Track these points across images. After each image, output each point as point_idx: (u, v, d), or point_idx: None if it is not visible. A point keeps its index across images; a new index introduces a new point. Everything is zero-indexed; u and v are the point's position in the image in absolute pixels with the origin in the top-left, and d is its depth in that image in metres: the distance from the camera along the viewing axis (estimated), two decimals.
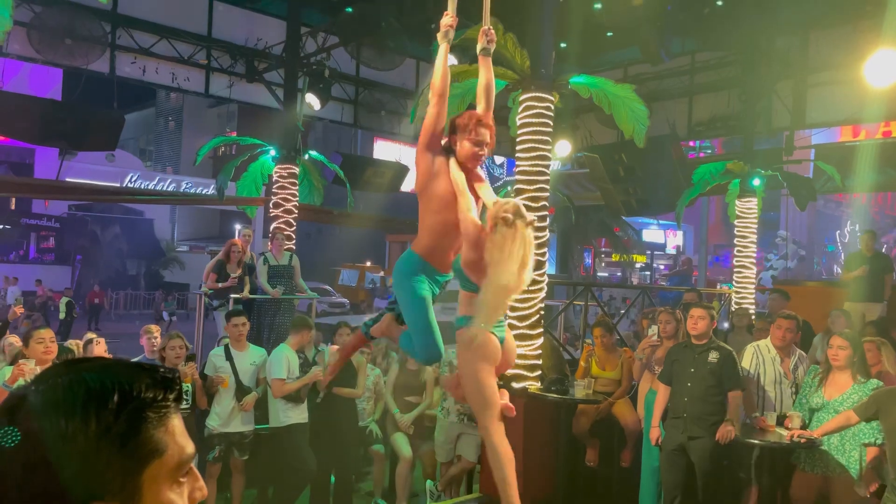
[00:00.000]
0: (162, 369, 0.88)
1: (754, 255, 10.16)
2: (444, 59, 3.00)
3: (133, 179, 28.70)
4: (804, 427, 4.86)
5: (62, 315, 17.89)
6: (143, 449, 0.82)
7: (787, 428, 4.90)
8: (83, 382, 0.82)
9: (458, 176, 2.93)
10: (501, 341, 3.06)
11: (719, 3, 8.90)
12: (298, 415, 5.83)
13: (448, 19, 3.07)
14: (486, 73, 3.11)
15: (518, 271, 2.68)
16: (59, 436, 0.79)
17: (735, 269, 10.20)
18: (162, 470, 0.84)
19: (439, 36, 3.04)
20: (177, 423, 0.87)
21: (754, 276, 10.20)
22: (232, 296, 7.83)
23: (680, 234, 36.84)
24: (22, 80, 19.76)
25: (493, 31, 3.15)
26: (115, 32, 9.85)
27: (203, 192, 28.07)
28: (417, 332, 2.91)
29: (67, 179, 20.55)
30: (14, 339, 5.41)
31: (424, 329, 2.87)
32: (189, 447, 0.88)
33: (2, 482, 0.79)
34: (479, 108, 3.09)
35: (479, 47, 3.15)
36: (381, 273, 28.45)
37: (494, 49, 3.21)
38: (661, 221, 34.69)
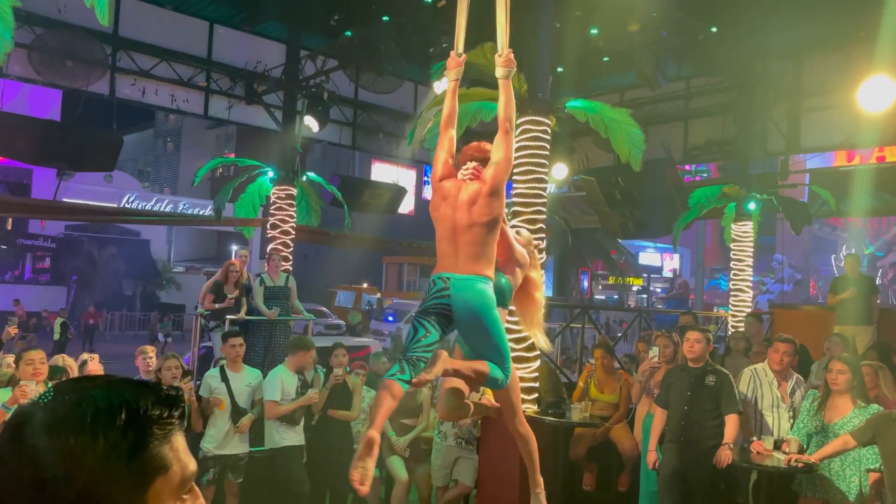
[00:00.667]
0: (165, 387, 0.90)
1: (751, 278, 10.18)
2: (452, 95, 3.36)
3: (130, 200, 28.72)
4: (802, 451, 4.84)
5: (56, 336, 17.78)
6: (149, 465, 0.84)
7: (784, 452, 4.87)
8: (91, 399, 0.83)
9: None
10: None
11: (714, 29, 9.02)
12: (293, 437, 5.79)
13: (452, 64, 3.34)
14: (504, 95, 3.28)
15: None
16: (68, 452, 0.80)
17: (731, 293, 10.21)
18: (166, 487, 0.85)
19: (448, 75, 3.33)
20: (180, 440, 0.88)
21: (751, 299, 10.21)
22: (228, 317, 7.80)
23: (676, 257, 36.94)
24: (21, 101, 19.86)
25: (510, 54, 3.29)
26: (116, 54, 9.93)
27: (200, 214, 28.08)
28: (505, 359, 3.16)
29: (65, 200, 20.56)
30: (10, 359, 5.38)
31: (508, 354, 3.19)
32: (192, 465, 0.90)
33: (10, 499, 0.80)
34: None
35: (499, 73, 3.30)
36: (378, 294, 28.40)
37: (491, 72, 3.32)
38: (657, 245, 34.81)
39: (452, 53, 3.32)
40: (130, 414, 0.83)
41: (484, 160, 3.22)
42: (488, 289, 3.08)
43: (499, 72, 3.25)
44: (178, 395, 0.89)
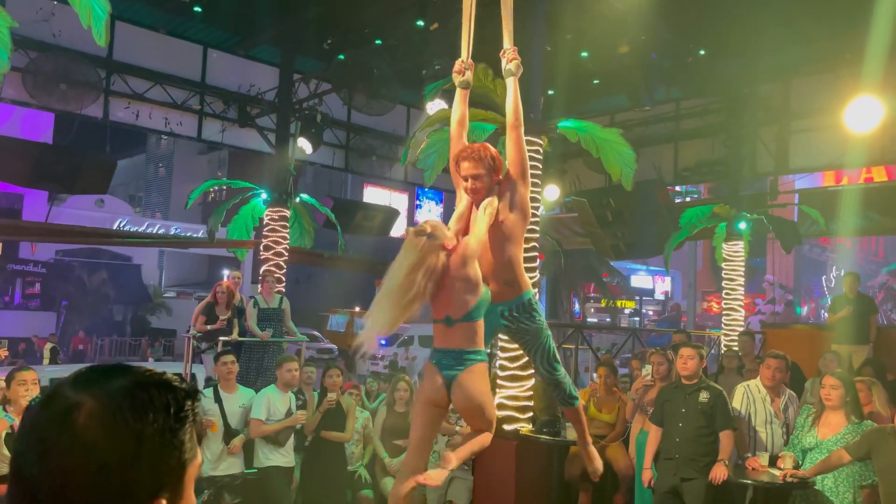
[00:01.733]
0: (179, 380, 0.94)
1: (742, 297, 10.23)
2: (460, 100, 3.32)
3: (122, 225, 28.61)
4: (797, 467, 4.84)
5: (46, 361, 17.62)
6: (189, 451, 0.91)
7: (779, 468, 4.87)
8: (143, 387, 0.89)
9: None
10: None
11: (702, 51, 9.16)
12: (280, 458, 5.74)
13: (458, 73, 3.32)
14: (512, 94, 3.25)
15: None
16: (133, 437, 0.85)
17: (724, 312, 10.25)
18: (193, 472, 0.93)
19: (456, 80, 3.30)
20: (193, 432, 0.94)
21: (743, 318, 10.25)
22: (221, 338, 7.77)
23: (668, 279, 37.01)
24: (13, 125, 19.88)
25: (514, 51, 3.27)
26: (110, 78, 9.98)
27: (193, 236, 28.02)
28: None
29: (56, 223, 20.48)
30: (1, 382, 5.32)
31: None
32: (200, 455, 0.96)
33: (72, 485, 0.83)
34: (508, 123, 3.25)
35: (506, 73, 3.29)
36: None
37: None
38: (649, 267, 34.91)
39: (458, 62, 3.31)
40: (175, 402, 0.90)
41: (480, 160, 3.10)
42: (536, 302, 3.29)
43: (507, 70, 3.24)
44: (195, 389, 0.96)
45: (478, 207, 3.08)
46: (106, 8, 4.14)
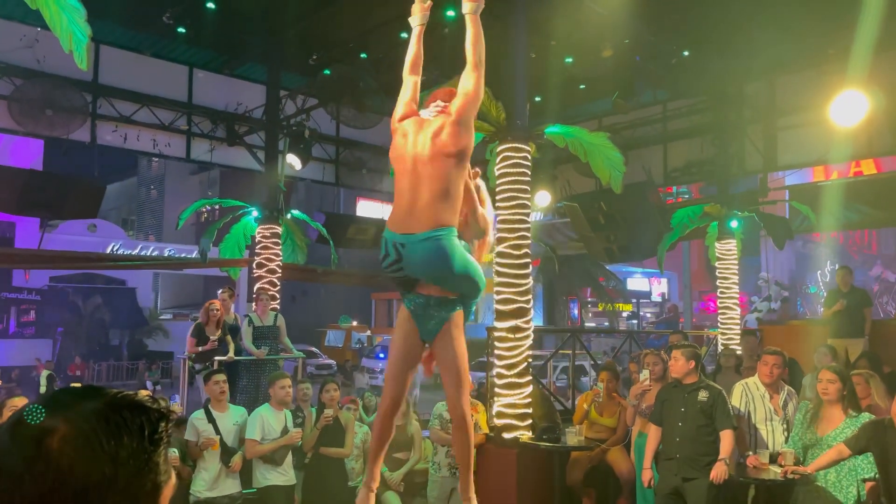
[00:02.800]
0: (152, 401, 0.93)
1: (737, 295, 10.23)
2: (417, 40, 3.12)
3: (115, 248, 28.54)
4: (798, 463, 4.81)
5: (43, 388, 17.50)
6: (164, 474, 0.90)
7: (780, 465, 4.85)
8: (115, 409, 0.88)
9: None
10: None
11: (686, 53, 9.20)
12: (278, 477, 5.69)
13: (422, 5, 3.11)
14: (472, 28, 2.98)
15: None
16: (109, 461, 0.84)
17: (719, 311, 10.25)
18: (168, 494, 0.92)
19: (412, 19, 3.09)
20: (166, 454, 0.93)
21: (739, 316, 10.24)
22: (217, 358, 7.72)
23: (664, 281, 37.05)
24: (2, 152, 19.85)
25: None
26: (96, 102, 9.97)
27: (186, 257, 27.95)
28: (477, 283, 2.90)
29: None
30: None
31: (480, 277, 2.92)
32: (174, 478, 0.95)
33: (53, 499, 0.81)
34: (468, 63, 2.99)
35: (466, 7, 2.98)
36: (368, 332, 28.22)
37: None
38: (645, 270, 34.95)
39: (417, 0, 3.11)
40: (147, 423, 0.89)
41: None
42: (451, 241, 2.73)
43: (465, 6, 2.96)
44: (168, 409, 0.94)
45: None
46: (86, 32, 4.13)
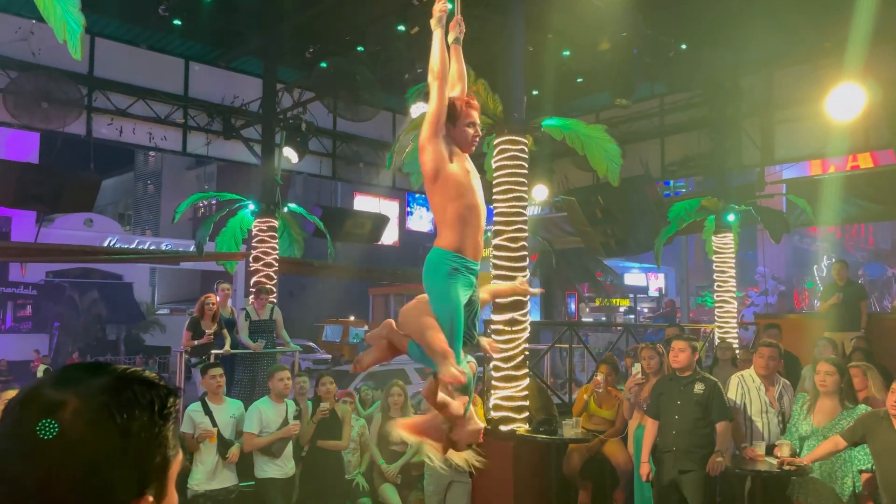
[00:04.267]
0: (159, 378, 0.95)
1: (734, 289, 10.24)
2: (441, 43, 2.86)
3: (112, 243, 28.47)
4: (794, 455, 4.83)
5: None
6: (172, 448, 0.92)
7: (776, 456, 4.86)
8: (125, 384, 0.89)
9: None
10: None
11: (683, 46, 9.18)
12: (275, 470, 5.71)
13: (440, 5, 3.02)
14: (458, 63, 2.97)
15: None
16: (119, 434, 0.85)
17: (716, 304, 10.26)
18: (176, 468, 0.93)
19: (433, 22, 2.97)
20: (174, 430, 0.95)
21: (735, 310, 10.26)
22: (213, 352, 7.71)
23: (662, 276, 37.11)
24: None
25: (463, 23, 2.96)
26: (92, 95, 9.93)
27: (182, 250, 27.91)
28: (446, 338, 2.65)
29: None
30: None
31: (451, 337, 2.64)
32: (181, 453, 0.97)
33: (59, 484, 0.82)
34: (456, 94, 2.94)
35: (451, 38, 2.95)
36: (365, 327, 28.21)
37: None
38: (642, 265, 34.99)
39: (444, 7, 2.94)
40: (157, 398, 0.91)
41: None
42: (436, 259, 2.74)
43: (450, 37, 2.92)
44: (176, 386, 0.99)
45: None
46: (80, 22, 4.11)
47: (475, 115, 2.88)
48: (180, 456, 0.94)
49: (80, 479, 0.82)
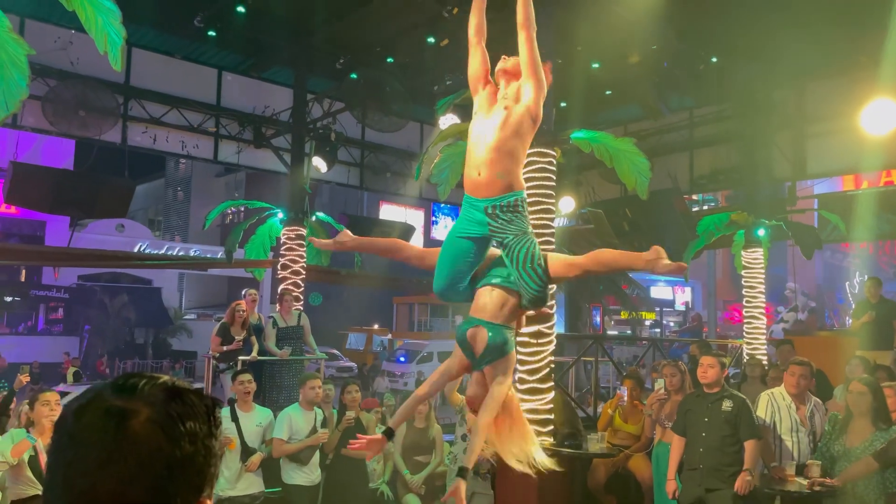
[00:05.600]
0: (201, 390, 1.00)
1: (763, 305, 10.10)
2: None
3: (142, 248, 28.94)
4: (825, 475, 4.74)
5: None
6: (220, 452, 0.96)
7: (807, 477, 4.78)
8: (183, 394, 0.93)
9: None
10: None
11: (714, 59, 9.13)
12: (302, 477, 5.74)
13: None
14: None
15: None
16: (188, 440, 0.89)
17: (745, 321, 10.13)
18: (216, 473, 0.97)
19: None
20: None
21: (765, 326, 10.12)
22: (240, 358, 7.78)
23: (688, 290, 36.69)
24: (35, 153, 20.21)
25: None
26: (128, 103, 10.15)
27: (212, 257, 28.27)
28: None
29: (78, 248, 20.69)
30: (25, 407, 5.38)
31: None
32: None
33: (132, 491, 0.84)
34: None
35: None
36: (389, 335, 28.29)
37: None
38: (668, 278, 34.64)
39: None
40: (208, 407, 0.95)
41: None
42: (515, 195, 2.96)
43: None
44: (215, 397, 1.01)
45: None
46: (121, 34, 4.21)
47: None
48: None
49: (155, 486, 0.84)
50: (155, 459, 0.85)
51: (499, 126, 2.88)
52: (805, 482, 4.74)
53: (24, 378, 7.54)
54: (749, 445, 4.95)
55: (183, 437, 0.88)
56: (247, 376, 5.86)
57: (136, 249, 28.20)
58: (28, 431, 4.48)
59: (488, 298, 2.89)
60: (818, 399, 5.61)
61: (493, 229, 2.87)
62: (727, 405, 5.05)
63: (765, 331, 10.15)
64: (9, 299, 28.09)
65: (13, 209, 23.38)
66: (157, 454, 0.85)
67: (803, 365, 5.42)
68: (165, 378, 0.95)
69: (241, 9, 8.95)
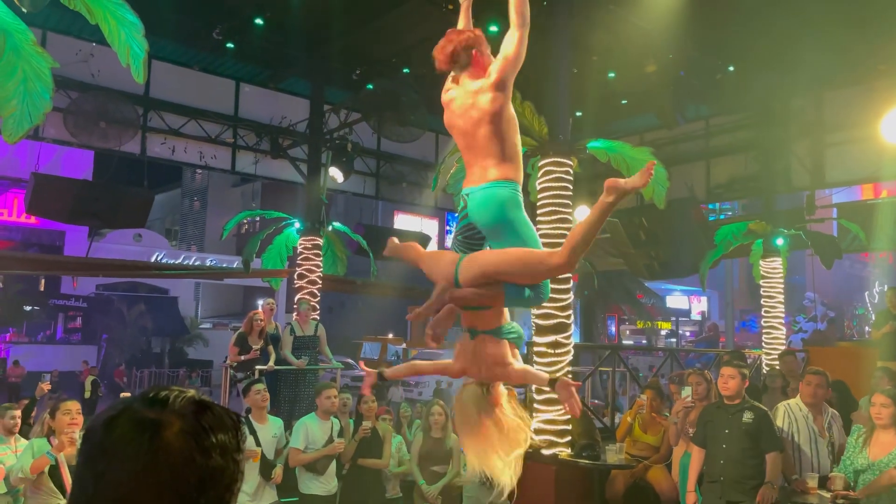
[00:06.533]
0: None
1: (782, 315, 10.01)
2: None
3: (159, 258, 29.19)
4: (848, 488, 4.67)
5: (87, 394, 17.88)
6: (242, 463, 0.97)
7: (829, 489, 4.71)
8: (210, 407, 0.95)
9: None
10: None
11: (731, 68, 9.09)
12: (318, 487, 5.72)
13: None
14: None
15: None
16: (219, 452, 0.90)
17: (764, 331, 10.04)
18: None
19: None
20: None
21: (784, 336, 10.02)
22: (257, 367, 7.81)
23: (705, 299, 36.46)
24: (55, 164, 20.45)
25: None
26: (147, 115, 10.26)
27: (228, 267, 28.45)
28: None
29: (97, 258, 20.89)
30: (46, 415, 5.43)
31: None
32: None
33: (168, 499, 0.85)
34: None
35: None
36: (403, 345, 28.25)
37: None
38: (685, 287, 34.42)
39: None
40: (233, 420, 0.97)
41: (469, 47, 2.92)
42: (507, 191, 2.70)
43: None
44: (237, 413, 1.02)
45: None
46: (143, 47, 4.27)
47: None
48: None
49: (186, 497, 0.85)
50: (188, 470, 0.86)
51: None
52: (828, 495, 4.67)
53: (45, 386, 7.61)
54: (771, 458, 4.89)
55: (214, 449, 0.89)
56: (260, 385, 5.84)
57: (153, 259, 28.45)
58: (49, 440, 4.52)
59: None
60: (835, 411, 5.54)
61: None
62: (748, 417, 5.00)
63: (784, 341, 10.05)
64: (28, 308, 28.39)
65: (32, 219, 23.70)
66: (190, 465, 0.86)
67: (819, 374, 5.37)
68: (193, 392, 0.97)
69: (259, 21, 9.04)
